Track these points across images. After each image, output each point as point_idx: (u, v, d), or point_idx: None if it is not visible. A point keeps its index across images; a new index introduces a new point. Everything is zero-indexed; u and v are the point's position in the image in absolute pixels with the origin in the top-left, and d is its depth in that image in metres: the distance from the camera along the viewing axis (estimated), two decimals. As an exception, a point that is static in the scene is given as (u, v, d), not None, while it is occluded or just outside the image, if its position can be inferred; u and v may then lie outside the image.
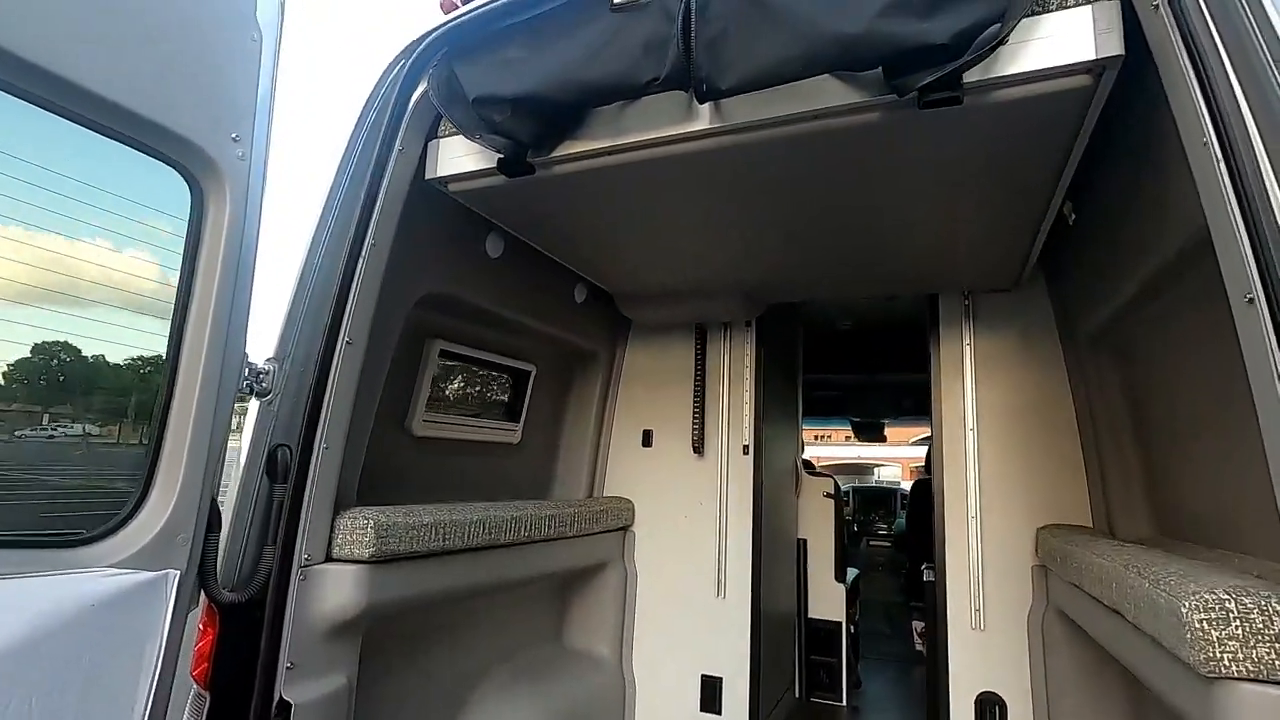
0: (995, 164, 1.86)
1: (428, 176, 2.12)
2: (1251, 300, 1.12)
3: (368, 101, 2.00)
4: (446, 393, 2.97)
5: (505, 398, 3.26)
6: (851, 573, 4.59)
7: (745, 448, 3.43)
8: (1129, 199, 1.88)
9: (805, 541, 4.40)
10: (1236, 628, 1.10)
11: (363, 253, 1.94)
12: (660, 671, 3.40)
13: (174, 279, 1.61)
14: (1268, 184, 1.12)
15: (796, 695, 4.28)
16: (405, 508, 2.10)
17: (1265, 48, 1.16)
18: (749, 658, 3.27)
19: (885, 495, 7.36)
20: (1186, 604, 1.15)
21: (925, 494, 4.85)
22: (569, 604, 3.45)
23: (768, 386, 3.59)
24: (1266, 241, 1.11)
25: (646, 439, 3.63)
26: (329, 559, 1.90)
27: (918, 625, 5.03)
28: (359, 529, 1.90)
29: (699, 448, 3.48)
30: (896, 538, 6.72)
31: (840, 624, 4.32)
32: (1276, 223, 1.11)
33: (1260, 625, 1.09)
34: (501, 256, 2.67)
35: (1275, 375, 1.07)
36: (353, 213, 1.93)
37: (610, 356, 3.68)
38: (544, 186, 2.08)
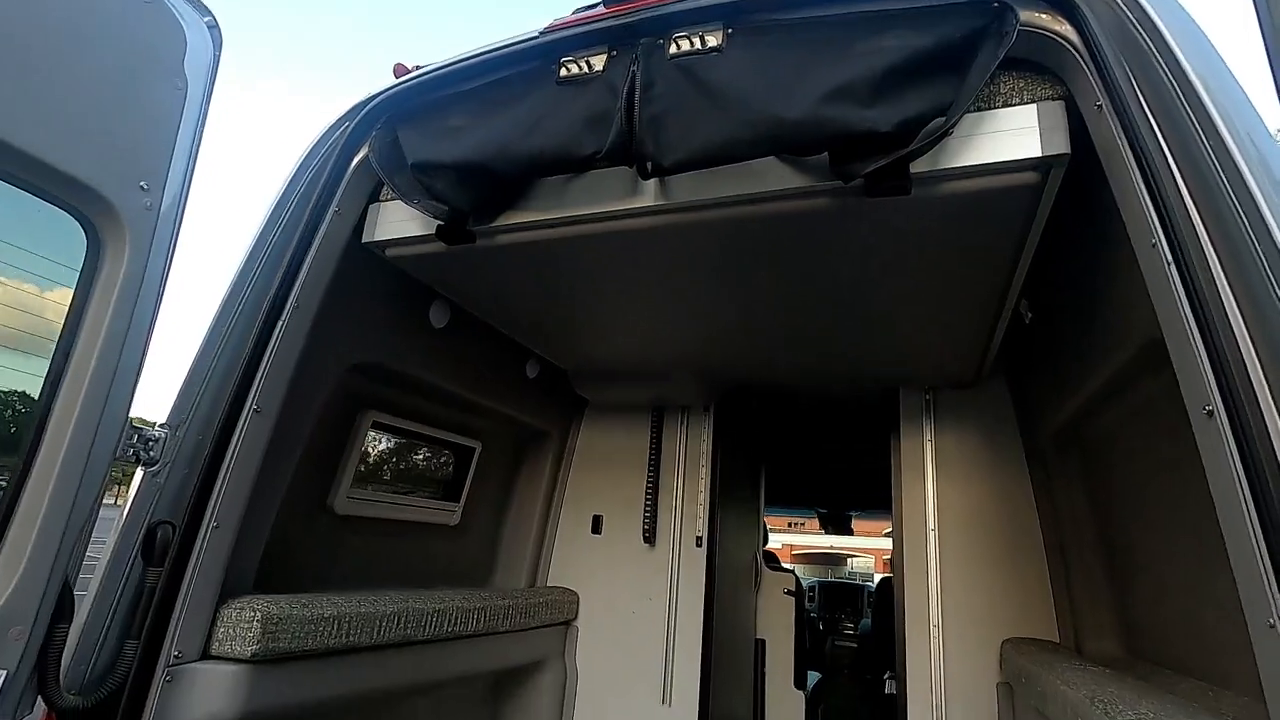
0: (947, 258, 1.82)
1: (365, 240, 2.03)
2: (1211, 413, 1.04)
3: (305, 159, 1.93)
4: (378, 468, 2.78)
5: (445, 475, 3.07)
6: (813, 677, 4.31)
7: (699, 539, 3.24)
8: (1083, 300, 1.84)
9: (764, 642, 4.14)
10: None
11: (283, 315, 1.82)
12: None
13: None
14: (1220, 288, 1.06)
15: (750, 817, 3.91)
16: (305, 597, 1.88)
17: (1209, 149, 1.12)
18: (695, 776, 2.97)
19: (852, 592, 7.08)
20: None
21: (891, 594, 4.64)
22: (500, 707, 3.14)
23: (726, 474, 3.44)
24: (1223, 350, 1.03)
25: (596, 525, 3.43)
26: (205, 656, 1.67)
27: (883, 739, 4.70)
28: (244, 622, 1.68)
29: (650, 538, 3.28)
30: (863, 638, 6.42)
31: None
32: (1233, 330, 1.04)
33: None
34: (446, 328, 2.56)
35: (1240, 492, 0.96)
36: (276, 271, 1.82)
37: (563, 436, 3.52)
38: (487, 256, 1.99)
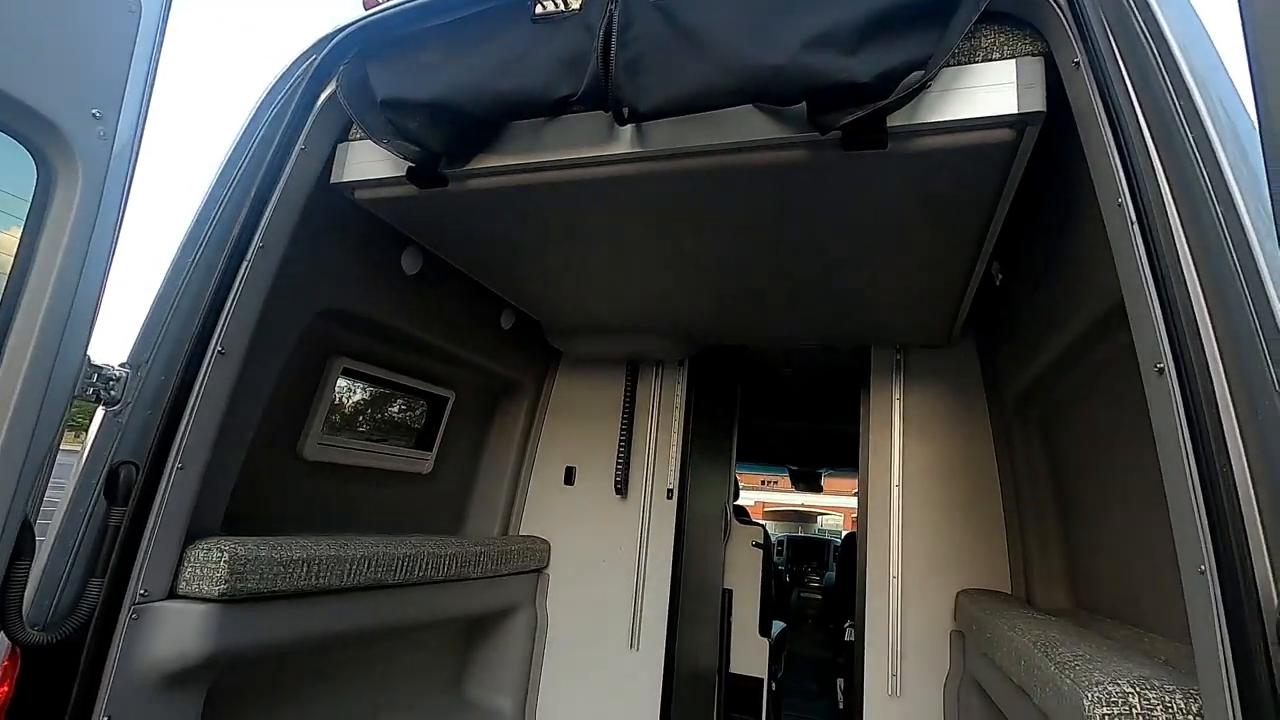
0: (922, 216, 1.82)
1: (333, 181, 1.97)
2: (1162, 370, 1.07)
3: (269, 93, 1.86)
4: (350, 415, 2.76)
5: (418, 424, 3.07)
6: (777, 626, 4.46)
7: (669, 492, 3.29)
8: (1051, 262, 1.86)
9: (731, 592, 4.26)
10: None
11: (248, 256, 1.77)
12: None
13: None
14: (1179, 250, 1.08)
15: (712, 755, 4.07)
16: (273, 539, 1.89)
17: (1181, 112, 1.12)
18: (659, 714, 3.08)
19: (819, 546, 7.29)
20: (1089, 695, 1.06)
21: (853, 549, 4.79)
22: (472, 651, 3.21)
23: (699, 430, 3.48)
24: (1177, 309, 1.06)
25: (569, 476, 3.47)
26: (172, 595, 1.67)
27: (842, 683, 4.91)
28: (211, 562, 1.68)
29: (622, 489, 3.33)
30: (827, 590, 6.64)
31: (762, 680, 4.16)
32: (1188, 290, 1.06)
33: None
34: (419, 275, 2.52)
35: (1182, 447, 1.00)
36: (240, 210, 1.76)
37: (537, 387, 3.52)
38: (459, 201, 1.95)
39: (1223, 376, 1.01)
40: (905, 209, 1.78)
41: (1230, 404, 0.99)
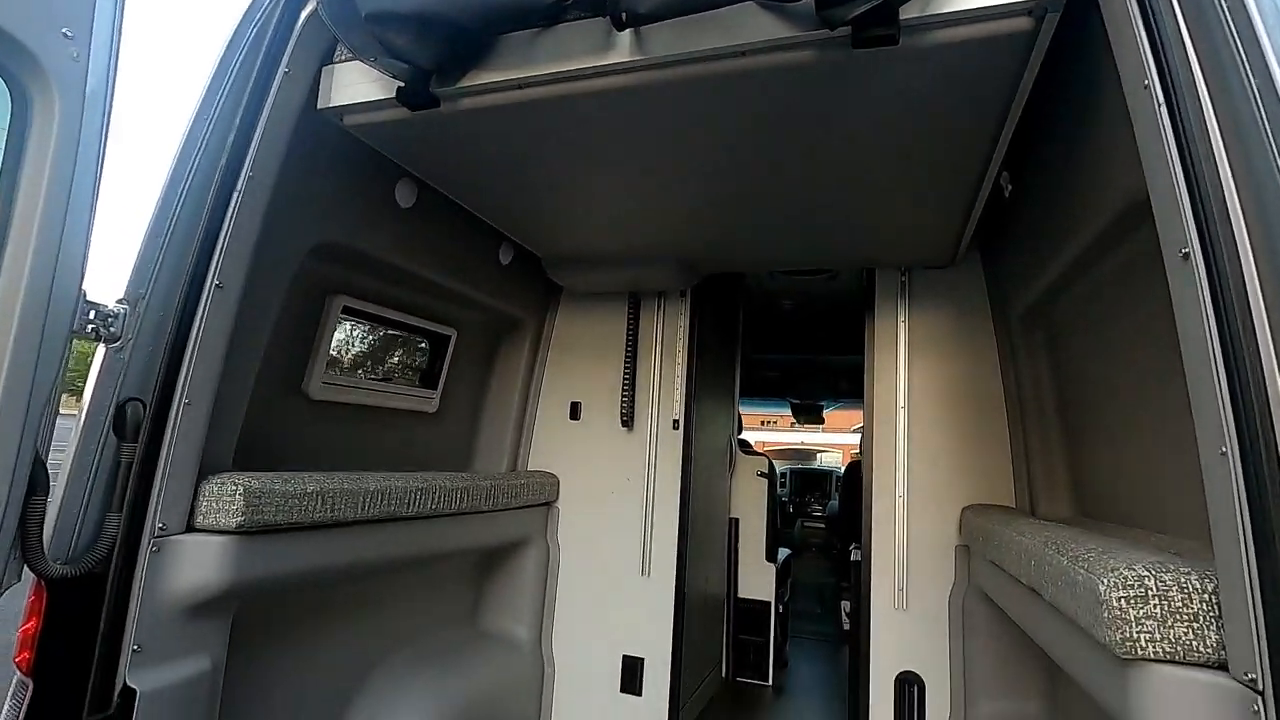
0: (932, 122, 1.76)
1: (320, 106, 1.89)
2: (1187, 255, 1.04)
3: (247, 13, 1.76)
4: (353, 354, 2.75)
5: (421, 363, 3.05)
6: (783, 553, 4.56)
7: (675, 422, 3.31)
8: (1065, 166, 1.81)
9: (737, 521, 4.34)
10: (1155, 605, 1.03)
11: (238, 186, 1.72)
12: (580, 653, 3.28)
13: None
14: (1210, 130, 1.04)
15: (723, 675, 4.23)
16: (286, 474, 1.90)
17: (1213, -15, 1.06)
18: (672, 639, 3.17)
19: (821, 477, 7.42)
20: (1105, 581, 1.08)
21: (858, 475, 4.86)
22: (485, 583, 3.29)
23: (703, 361, 3.47)
24: (1206, 193, 1.03)
25: (574, 411, 3.48)
26: (190, 529, 1.69)
27: (846, 605, 5.06)
28: (226, 495, 1.69)
29: (628, 422, 3.34)
30: (830, 519, 6.78)
31: (769, 604, 4.29)
32: (1218, 174, 1.03)
33: (1179, 603, 1.02)
34: (414, 208, 2.46)
35: (1206, 331, 0.98)
36: (226, 138, 1.70)
37: (538, 324, 3.50)
38: (452, 123, 1.88)
39: (1251, 261, 0.99)
40: (915, 114, 1.72)
41: (1259, 288, 0.97)
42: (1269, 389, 0.92)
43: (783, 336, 5.64)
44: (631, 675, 3.18)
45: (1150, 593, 1.04)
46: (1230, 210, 1.01)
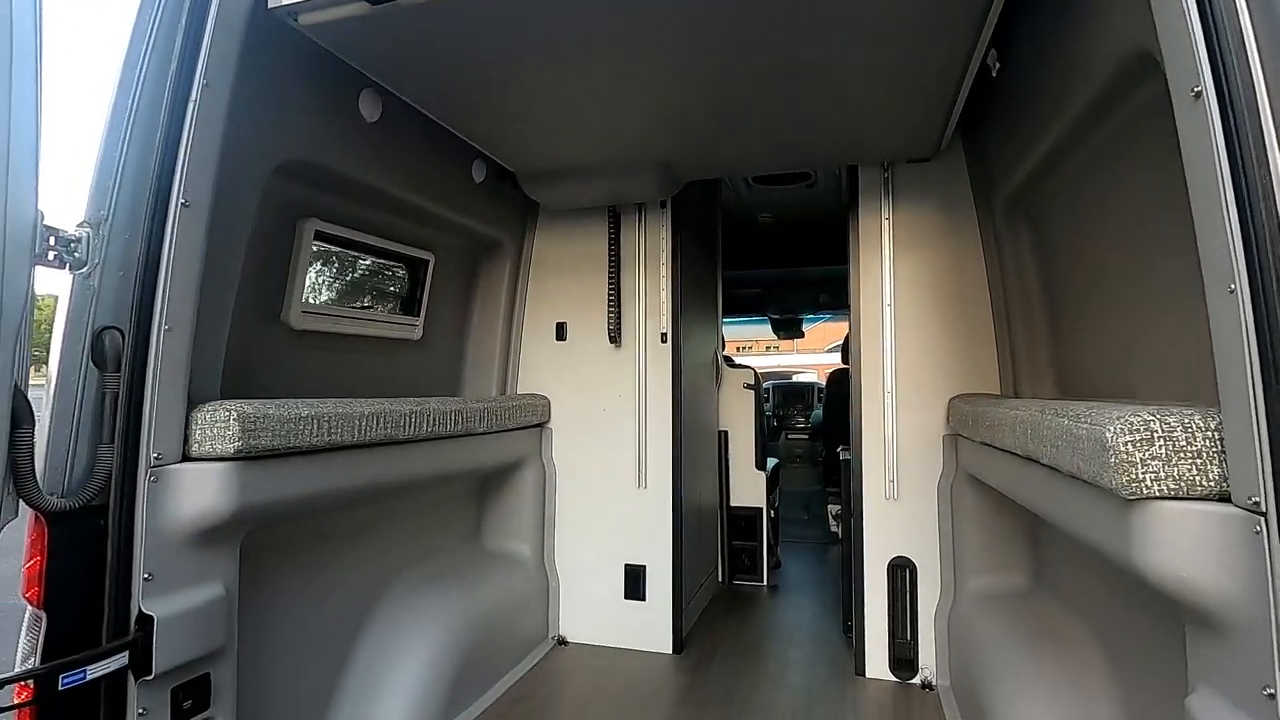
0: (914, 1, 1.69)
1: (272, 4, 1.75)
2: (1199, 94, 1.02)
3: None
4: (333, 282, 2.66)
5: (402, 290, 2.98)
6: (771, 461, 4.67)
7: (663, 336, 3.30)
8: (1059, 28, 1.75)
9: (726, 433, 4.42)
10: (1160, 446, 1.06)
11: (192, 95, 1.60)
12: (583, 565, 3.36)
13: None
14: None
15: (720, 579, 4.40)
16: (278, 400, 1.86)
17: None
18: (671, 546, 3.27)
19: (804, 389, 7.55)
20: (1111, 429, 1.10)
21: (842, 383, 4.95)
22: (486, 504, 3.33)
23: (686, 274, 3.44)
24: (1222, 27, 1.00)
25: (560, 332, 3.45)
26: (186, 458, 1.65)
27: (833, 509, 5.25)
28: (220, 422, 1.65)
29: (615, 338, 3.33)
30: (814, 429, 6.94)
31: (761, 510, 4.42)
32: (1235, 8, 1.00)
33: (1183, 442, 1.05)
34: (380, 121, 2.33)
35: (1218, 169, 0.98)
36: (174, 40, 1.57)
37: (517, 244, 3.42)
38: (413, 19, 1.76)
39: (1265, 97, 0.97)
40: None
41: (1273, 125, 0.96)
42: None
43: (761, 251, 5.61)
44: (635, 582, 3.29)
45: (1155, 434, 1.07)
46: (1247, 46, 0.98)
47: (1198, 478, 1.04)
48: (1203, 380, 1.47)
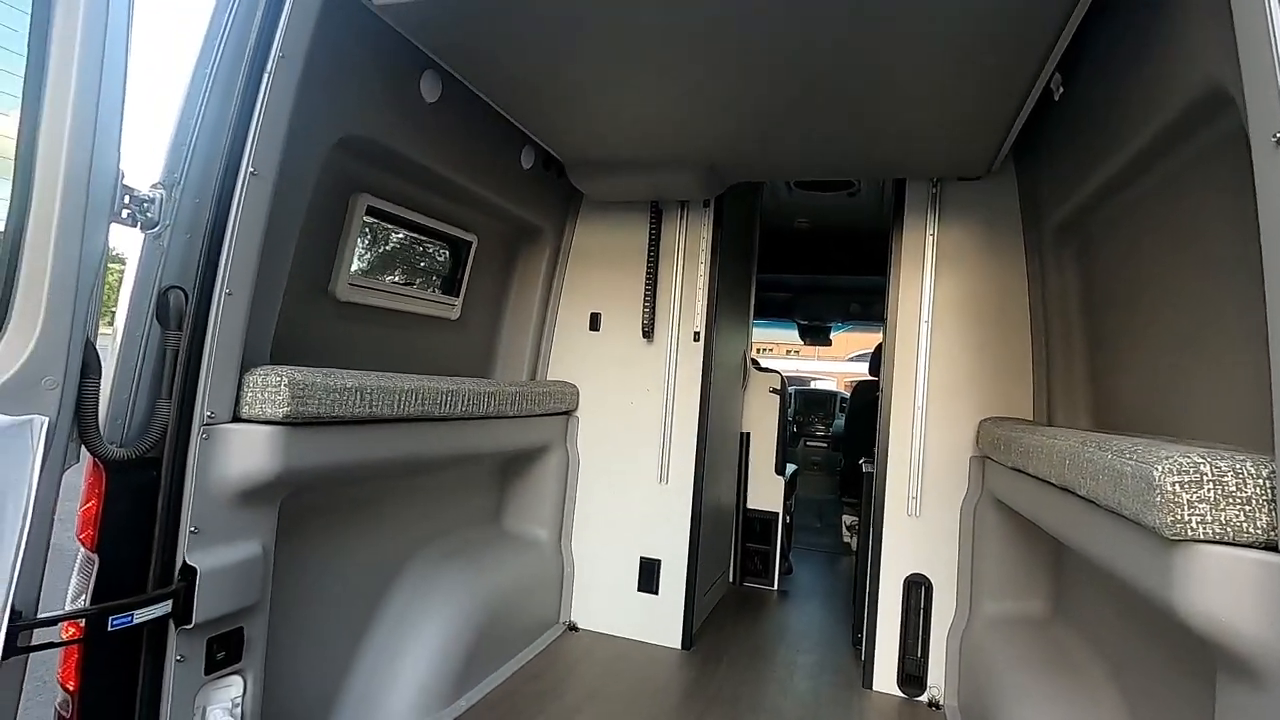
0: (987, 18, 1.68)
1: None
2: (1279, 141, 1.01)
3: (270, -125, 1.64)
4: (378, 257, 2.71)
5: (443, 270, 3.02)
6: (790, 467, 4.67)
7: (696, 334, 3.32)
8: (1129, 59, 1.73)
9: (749, 435, 4.43)
10: (1209, 490, 1.06)
11: (268, 67, 1.64)
12: (600, 554, 3.40)
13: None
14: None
15: (731, 580, 4.42)
16: (324, 370, 1.90)
17: None
18: (688, 542, 3.29)
19: (825, 398, 7.53)
20: (1160, 468, 1.10)
21: (867, 394, 4.93)
22: (509, 486, 3.38)
23: (723, 273, 3.45)
24: (1307, 73, 0.98)
25: (594, 322, 3.48)
26: (236, 419, 1.71)
27: (847, 519, 5.23)
28: (271, 387, 1.70)
29: (649, 333, 3.35)
30: (833, 438, 6.92)
31: (777, 514, 4.43)
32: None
33: (1233, 488, 1.05)
34: (439, 102, 2.37)
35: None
36: (254, 13, 1.61)
37: (558, 232, 3.45)
38: (480, 6, 1.80)
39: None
40: (968, 10, 1.63)
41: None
42: None
43: (796, 256, 5.59)
44: (649, 575, 3.32)
45: (1205, 477, 1.06)
46: None
47: (1245, 524, 1.04)
48: (1244, 426, 1.46)
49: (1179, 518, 1.07)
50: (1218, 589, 1.04)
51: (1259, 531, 1.03)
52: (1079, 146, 2.19)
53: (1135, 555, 1.26)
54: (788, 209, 4.74)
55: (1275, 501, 1.02)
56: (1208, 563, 1.05)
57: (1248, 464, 1.06)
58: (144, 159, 1.59)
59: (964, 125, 2.36)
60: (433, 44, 2.10)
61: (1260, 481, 1.04)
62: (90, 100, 1.35)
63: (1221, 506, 1.05)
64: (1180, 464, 1.09)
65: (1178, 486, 1.08)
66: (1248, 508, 1.04)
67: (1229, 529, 1.05)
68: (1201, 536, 1.06)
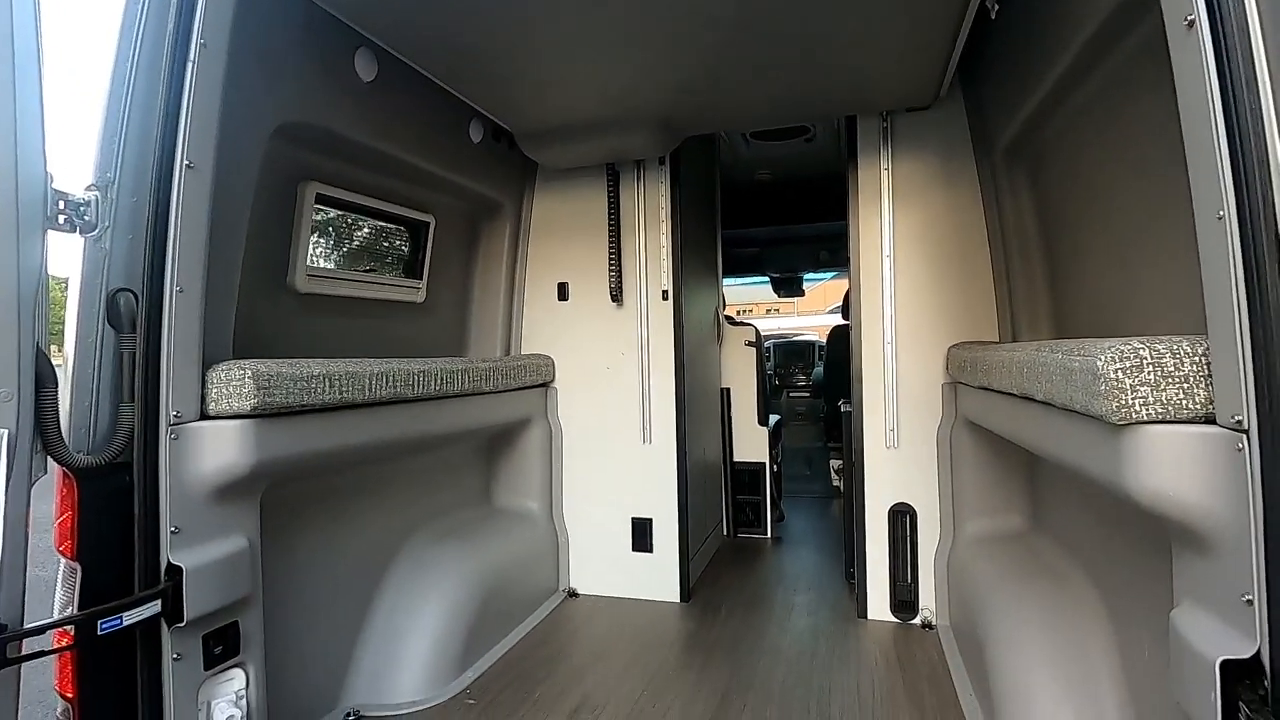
0: None
1: None
2: (1191, 24, 1.03)
3: None
4: (335, 246, 2.68)
5: (404, 254, 3.00)
6: (773, 418, 4.73)
7: (665, 293, 3.33)
8: None
9: (729, 390, 4.47)
10: (1149, 373, 1.10)
11: (190, 55, 1.60)
12: (591, 519, 3.45)
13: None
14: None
15: (725, 533, 4.50)
16: (289, 360, 1.90)
17: None
18: (676, 498, 3.34)
19: (804, 348, 7.60)
20: (1103, 358, 1.14)
21: (843, 340, 4.99)
22: (495, 463, 3.40)
23: (686, 231, 3.45)
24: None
25: (562, 292, 3.47)
26: (204, 416, 1.70)
27: (835, 463, 5.33)
28: (235, 381, 1.69)
29: (617, 296, 3.35)
30: (815, 386, 7.00)
31: (764, 465, 4.50)
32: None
33: (1171, 368, 1.09)
34: (376, 81, 2.32)
35: (1209, 100, 0.99)
36: (168, 2, 1.57)
37: (517, 205, 3.42)
38: None
39: (1258, 26, 0.98)
40: None
41: (1264, 52, 0.97)
42: (1270, 151, 0.94)
43: (760, 209, 5.59)
44: (642, 535, 3.37)
45: (1145, 361, 1.10)
46: None
47: (1185, 401, 1.08)
48: (1196, 315, 1.50)
49: (1124, 402, 1.11)
50: (1164, 466, 1.08)
51: (1198, 407, 1.08)
52: (1019, 65, 2.20)
53: (1090, 446, 1.30)
54: (747, 162, 4.73)
55: (1211, 377, 1.06)
56: (1154, 442, 1.10)
57: (1184, 344, 1.10)
58: (75, 161, 1.56)
59: (907, 53, 2.36)
60: (361, 20, 2.05)
61: (1196, 359, 1.08)
62: (6, 104, 1.31)
63: (1162, 388, 1.09)
64: (1121, 352, 1.12)
65: (1120, 373, 1.11)
66: (1186, 385, 1.08)
67: (1170, 408, 1.09)
68: (1145, 418, 1.10)
